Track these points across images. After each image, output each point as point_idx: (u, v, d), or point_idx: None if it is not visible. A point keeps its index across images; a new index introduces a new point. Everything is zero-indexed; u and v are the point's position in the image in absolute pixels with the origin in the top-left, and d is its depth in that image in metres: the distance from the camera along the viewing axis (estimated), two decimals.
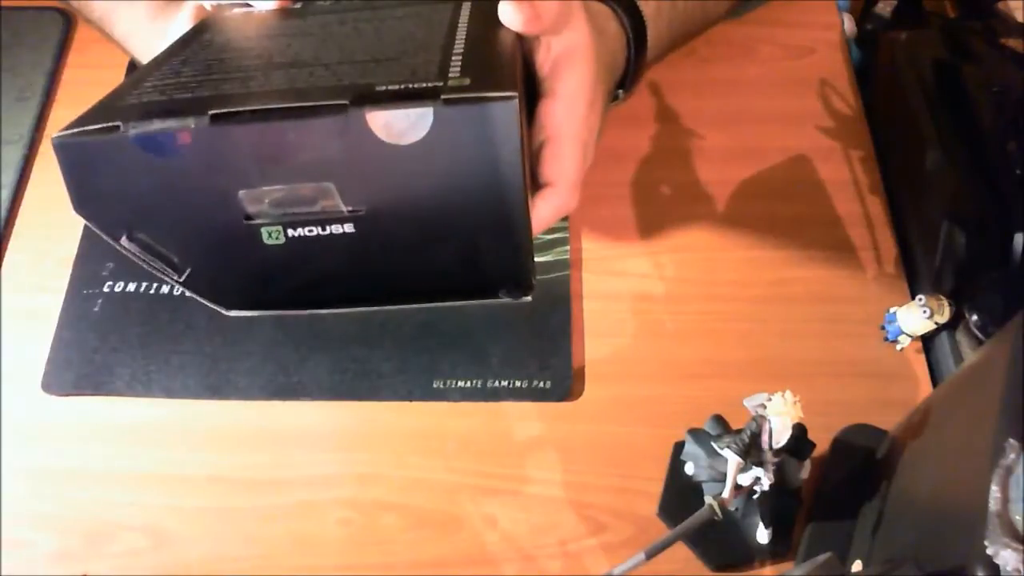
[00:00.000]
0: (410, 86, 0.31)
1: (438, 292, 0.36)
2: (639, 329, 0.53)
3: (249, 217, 0.33)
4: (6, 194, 0.58)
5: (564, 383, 0.51)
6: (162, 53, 0.39)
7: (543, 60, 0.41)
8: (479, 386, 0.51)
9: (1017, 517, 0.30)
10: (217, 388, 0.51)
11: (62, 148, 0.31)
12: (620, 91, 0.53)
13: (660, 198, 0.59)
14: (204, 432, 0.50)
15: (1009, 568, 0.29)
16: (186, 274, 0.35)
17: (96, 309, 0.54)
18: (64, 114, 0.63)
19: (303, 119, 0.31)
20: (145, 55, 0.55)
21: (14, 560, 0.46)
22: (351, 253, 0.34)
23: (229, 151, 0.31)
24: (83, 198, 0.33)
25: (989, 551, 0.29)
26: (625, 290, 0.55)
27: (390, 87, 0.31)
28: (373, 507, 0.48)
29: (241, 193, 0.32)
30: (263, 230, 0.33)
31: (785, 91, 0.64)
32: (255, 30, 0.41)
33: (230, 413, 0.50)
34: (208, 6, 0.46)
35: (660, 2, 0.55)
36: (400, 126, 0.31)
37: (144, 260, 0.34)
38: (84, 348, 0.52)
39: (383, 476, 0.49)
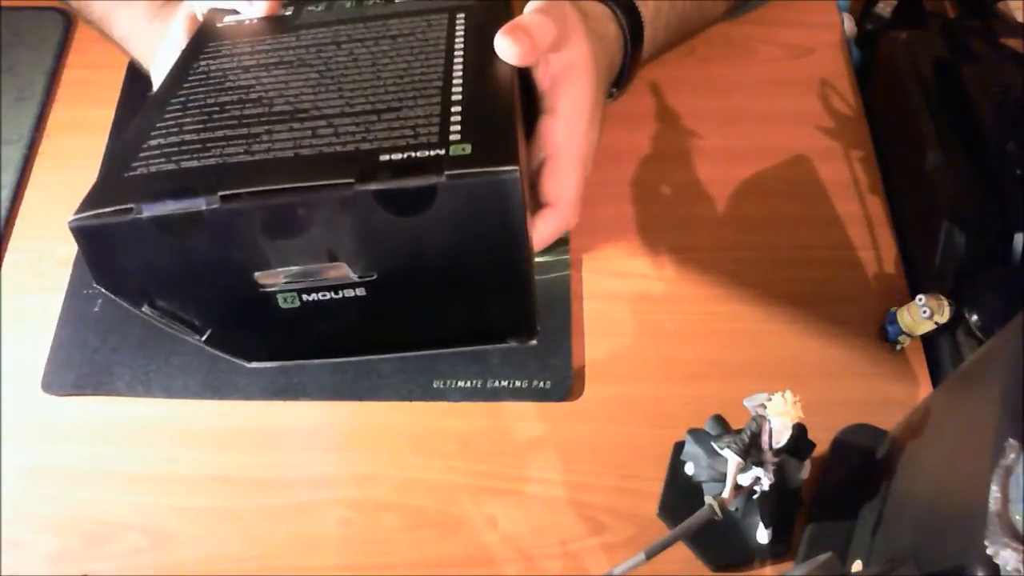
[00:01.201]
0: (413, 155, 0.32)
1: (447, 341, 0.38)
2: (639, 329, 0.53)
3: (264, 285, 0.34)
4: (6, 194, 0.58)
5: (564, 383, 0.51)
6: (160, 88, 0.40)
7: (542, 75, 0.41)
8: (479, 386, 0.51)
9: (1017, 517, 0.30)
10: (217, 388, 0.51)
11: (79, 231, 0.32)
12: (614, 89, 0.53)
13: (660, 198, 0.59)
14: (204, 432, 0.50)
15: (1009, 568, 0.29)
16: (207, 334, 0.36)
17: (96, 309, 0.54)
18: (64, 114, 0.63)
19: (311, 195, 0.32)
20: (144, 56, 0.56)
21: (14, 560, 0.46)
22: (364, 312, 0.35)
23: (240, 227, 0.32)
24: (102, 274, 0.34)
25: (989, 551, 0.29)
26: (625, 290, 0.55)
27: (393, 156, 0.32)
28: (373, 507, 0.48)
29: (257, 274, 0.34)
30: (278, 296, 0.35)
31: (785, 91, 0.64)
32: (250, 53, 0.41)
33: (230, 413, 0.51)
34: (199, 14, 0.46)
35: (659, 3, 0.55)
36: (405, 199, 0.32)
37: (165, 324, 0.35)
38: (84, 348, 0.52)
39: (383, 476, 0.49)
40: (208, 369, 0.51)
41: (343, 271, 0.33)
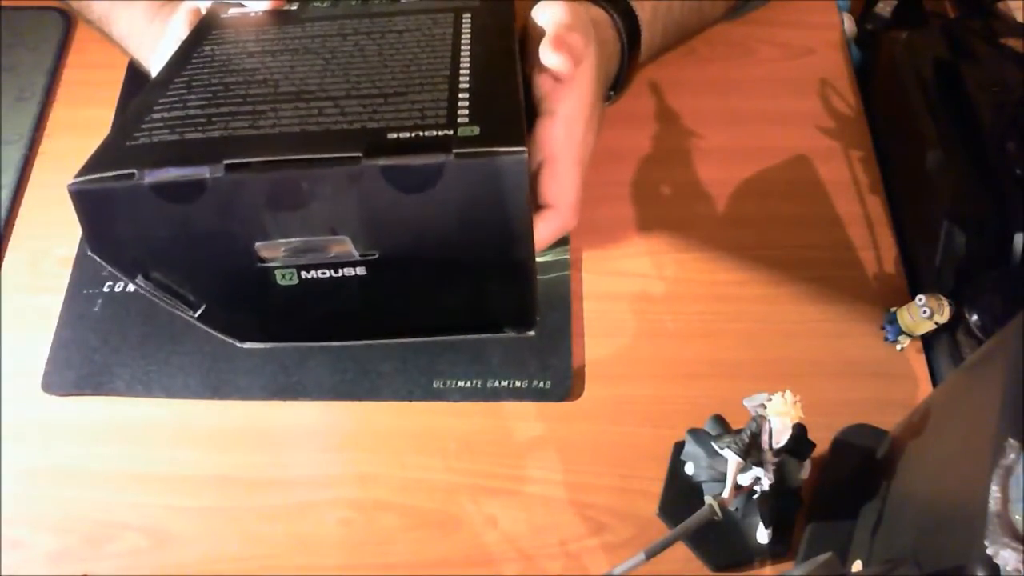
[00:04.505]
0: (421, 134, 0.32)
1: (446, 328, 0.37)
2: (639, 329, 0.53)
3: (263, 260, 0.33)
4: (6, 194, 0.58)
5: (564, 383, 0.51)
6: (164, 69, 0.39)
7: (543, 79, 0.41)
8: (479, 386, 0.51)
9: (1017, 517, 0.30)
10: (217, 388, 0.51)
11: (78, 195, 0.32)
12: (611, 93, 0.53)
13: (660, 198, 0.59)
14: (204, 432, 0.50)
15: (1009, 568, 0.29)
16: (201, 310, 0.35)
17: (96, 309, 0.54)
18: (64, 114, 0.63)
19: (316, 169, 0.31)
20: (144, 56, 0.56)
21: (14, 560, 0.46)
22: (362, 293, 0.35)
23: (243, 199, 0.32)
24: (99, 241, 0.33)
25: (989, 551, 0.29)
26: (625, 290, 0.55)
27: (401, 135, 0.32)
28: (373, 507, 0.48)
29: (258, 245, 0.33)
30: (277, 272, 0.34)
31: (785, 91, 0.64)
32: (255, 41, 0.41)
33: (230, 413, 0.50)
34: (203, 9, 0.46)
35: (657, 3, 0.55)
36: (411, 177, 0.31)
37: (159, 297, 0.34)
38: (84, 348, 0.52)
39: (383, 476, 0.49)
40: (208, 369, 0.51)
41: (345, 246, 0.33)
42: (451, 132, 0.32)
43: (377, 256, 0.33)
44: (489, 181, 0.32)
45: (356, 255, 0.33)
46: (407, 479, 0.48)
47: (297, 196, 0.32)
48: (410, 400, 0.51)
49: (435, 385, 0.51)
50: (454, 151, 0.31)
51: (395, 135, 0.32)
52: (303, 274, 0.34)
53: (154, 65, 0.49)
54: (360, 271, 0.34)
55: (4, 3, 0.67)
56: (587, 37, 0.42)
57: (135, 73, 0.62)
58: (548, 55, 0.39)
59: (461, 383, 0.51)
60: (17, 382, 0.52)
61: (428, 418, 0.50)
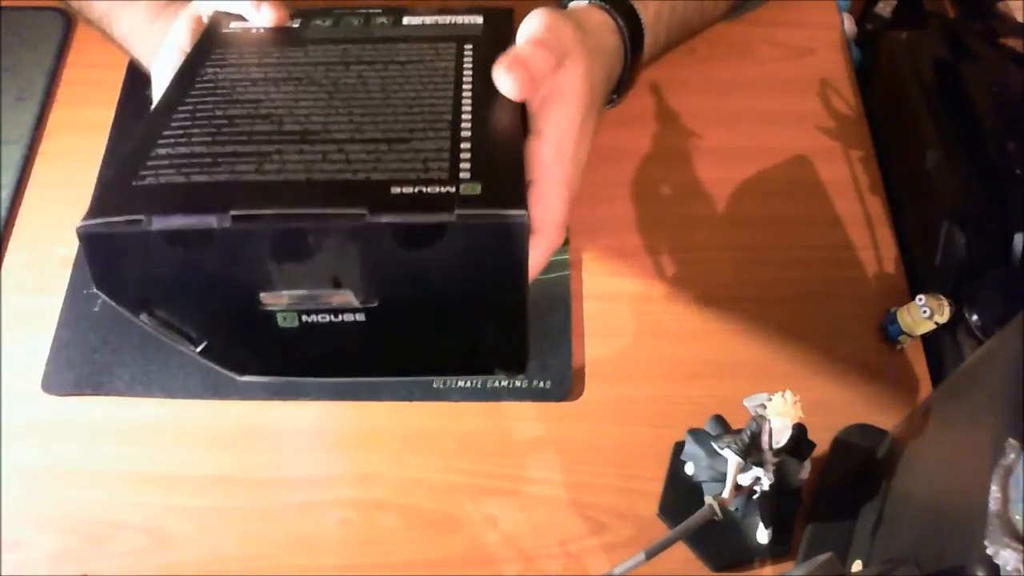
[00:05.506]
0: (424, 190, 0.33)
1: (440, 369, 0.38)
2: (639, 329, 0.53)
3: (265, 304, 0.34)
4: (6, 194, 0.58)
5: (564, 383, 0.51)
6: (167, 92, 0.40)
7: (532, 97, 0.41)
8: (479, 386, 0.51)
9: (1017, 517, 0.30)
10: (217, 388, 0.51)
11: (87, 237, 0.32)
12: (615, 96, 0.53)
13: (660, 198, 0.59)
14: (204, 432, 0.50)
15: (1009, 568, 0.29)
16: (202, 346, 0.36)
17: (96, 309, 0.54)
18: (64, 114, 0.63)
19: (322, 222, 0.32)
20: (145, 56, 0.55)
21: (14, 560, 0.46)
22: (360, 337, 0.36)
23: (249, 247, 0.33)
24: (104, 279, 0.34)
25: (989, 551, 0.29)
26: (625, 290, 0.55)
27: (404, 190, 0.33)
28: (373, 507, 0.48)
29: (262, 295, 0.34)
30: (278, 315, 0.35)
31: (785, 91, 0.64)
32: (258, 65, 0.41)
33: (230, 413, 0.51)
34: (205, 16, 0.46)
35: (660, 4, 0.55)
36: (414, 234, 0.32)
37: (161, 333, 0.35)
38: (84, 348, 0.52)
39: (383, 476, 0.49)
40: (208, 369, 0.50)
41: (346, 298, 0.34)
42: (453, 189, 0.33)
43: (377, 305, 0.34)
44: (490, 240, 0.33)
45: (356, 302, 0.34)
46: (407, 479, 0.48)
47: (302, 248, 0.33)
48: (410, 400, 0.51)
49: (435, 385, 0.51)
50: (457, 212, 0.32)
51: (399, 189, 0.33)
52: (303, 318, 0.35)
53: (155, 69, 0.49)
54: (359, 317, 0.35)
55: (4, 3, 0.67)
56: (560, 52, 0.40)
57: (135, 73, 0.62)
58: (500, 77, 0.38)
59: (461, 383, 0.51)
60: (17, 382, 0.52)
61: (428, 418, 0.50)
